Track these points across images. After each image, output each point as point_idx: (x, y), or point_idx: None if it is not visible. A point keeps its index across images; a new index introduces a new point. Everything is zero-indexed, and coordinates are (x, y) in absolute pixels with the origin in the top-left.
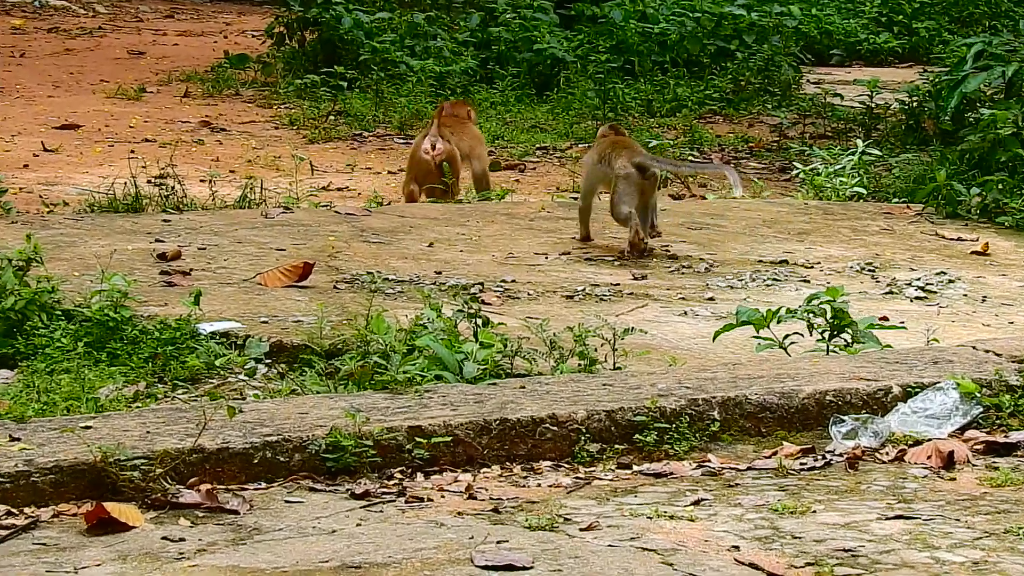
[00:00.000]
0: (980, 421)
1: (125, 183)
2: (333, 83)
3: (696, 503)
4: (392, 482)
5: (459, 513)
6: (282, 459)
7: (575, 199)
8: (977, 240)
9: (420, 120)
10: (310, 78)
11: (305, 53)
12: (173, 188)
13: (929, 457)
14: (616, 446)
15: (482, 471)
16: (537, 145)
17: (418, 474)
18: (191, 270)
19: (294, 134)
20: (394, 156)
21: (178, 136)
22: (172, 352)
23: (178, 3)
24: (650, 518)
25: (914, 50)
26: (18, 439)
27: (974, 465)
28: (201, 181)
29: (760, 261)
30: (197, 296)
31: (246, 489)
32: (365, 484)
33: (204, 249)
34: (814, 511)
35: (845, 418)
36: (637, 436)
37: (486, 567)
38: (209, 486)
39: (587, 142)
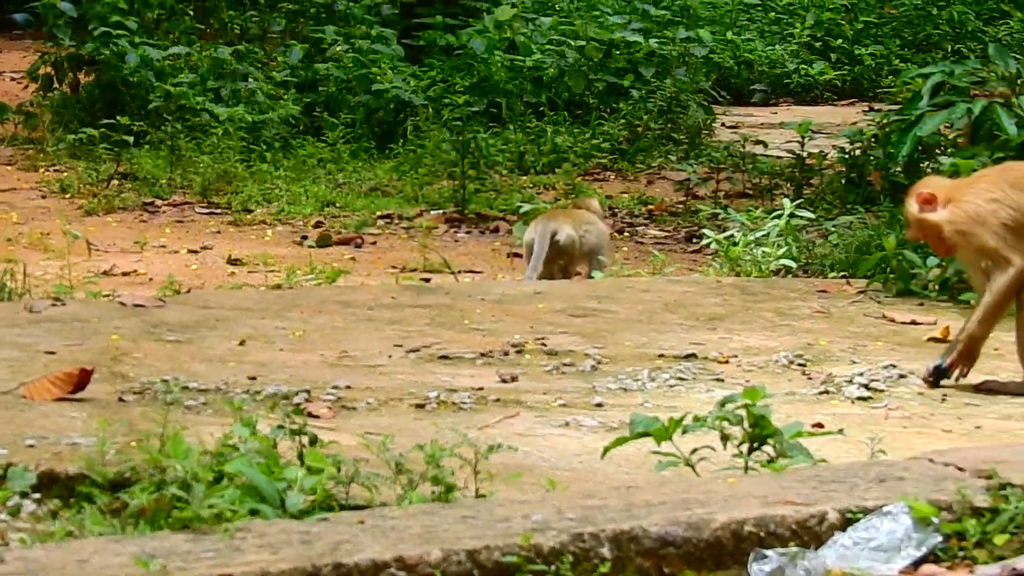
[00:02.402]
0: (939, 553)
1: None
2: (116, 138)
3: None
4: None
5: None
6: None
7: (426, 281)
8: (935, 324)
9: (228, 183)
10: (86, 132)
11: (80, 100)
12: None
13: None
14: None
15: None
16: (378, 213)
17: None
18: None
19: (67, 204)
20: (195, 230)
21: None
22: None
23: None
24: None
25: (857, 83)
26: None
27: None
28: None
29: (661, 356)
30: None
31: None
32: None
33: None
34: None
35: (769, 553)
36: None
37: None
38: None
39: (441, 207)
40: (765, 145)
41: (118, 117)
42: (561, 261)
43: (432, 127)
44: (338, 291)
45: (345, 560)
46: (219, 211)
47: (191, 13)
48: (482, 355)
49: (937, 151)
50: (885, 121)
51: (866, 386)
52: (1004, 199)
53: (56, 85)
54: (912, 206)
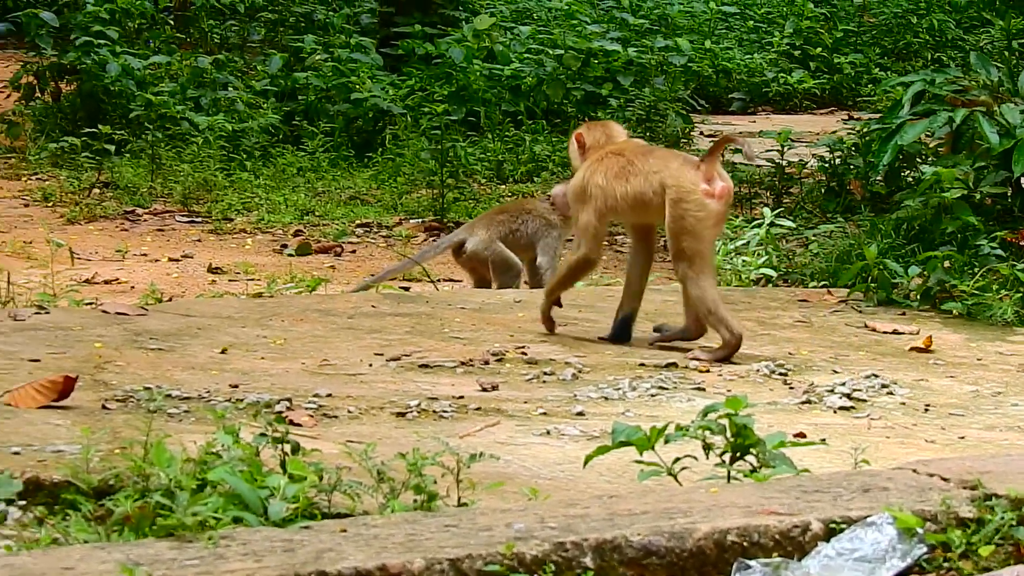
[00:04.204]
0: (923, 564)
1: None
2: (97, 147)
3: None
4: None
5: None
6: None
7: (406, 289)
8: (917, 333)
9: (208, 192)
10: (68, 141)
11: (61, 109)
12: None
13: None
14: None
15: None
16: (357, 221)
17: None
18: None
19: (49, 212)
20: (176, 238)
21: None
22: None
23: None
24: None
25: (836, 91)
26: None
27: None
28: None
29: (642, 365)
30: None
31: None
32: None
33: None
34: None
35: (752, 563)
36: None
37: None
38: None
39: (420, 216)
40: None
41: (99, 126)
42: (474, 269)
43: (411, 136)
44: (319, 300)
45: (328, 568)
46: (199, 220)
47: (171, 23)
48: (462, 364)
49: (918, 160)
50: (865, 130)
51: (848, 396)
52: (608, 186)
53: (38, 94)
54: (572, 141)
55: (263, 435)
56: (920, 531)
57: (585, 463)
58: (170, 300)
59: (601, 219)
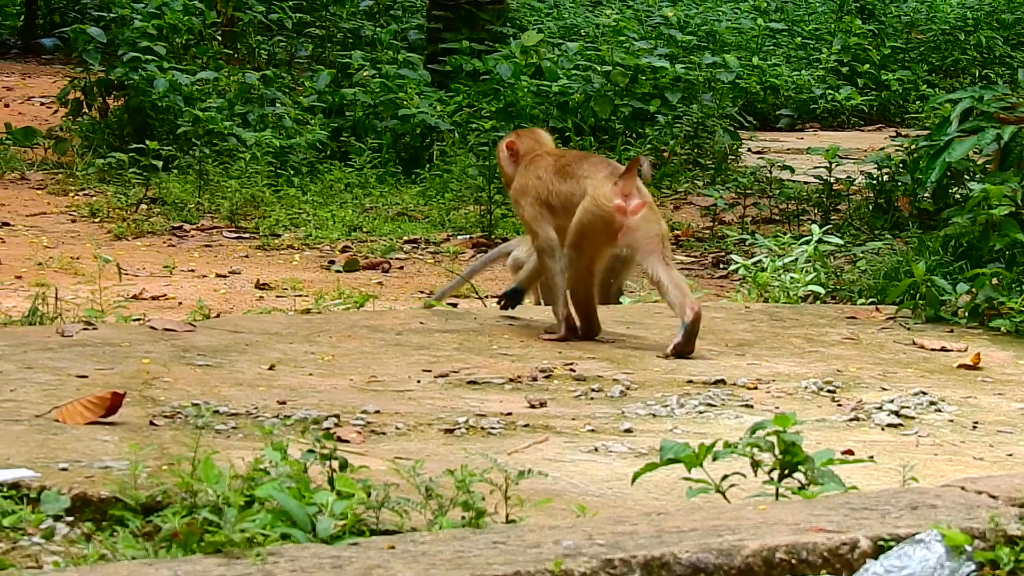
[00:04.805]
0: None
1: None
2: (145, 162)
3: None
4: None
5: None
6: None
7: (454, 306)
8: (966, 351)
9: (256, 208)
10: (115, 157)
11: (109, 125)
12: None
13: None
14: None
15: None
16: (405, 238)
17: None
18: None
19: (96, 228)
20: (223, 254)
21: None
22: None
23: None
24: None
25: (884, 108)
26: None
27: None
28: None
29: (690, 382)
30: None
31: None
32: None
33: None
34: None
35: None
36: None
37: None
38: None
39: (467, 232)
40: (792, 171)
41: (147, 142)
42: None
43: (458, 152)
44: (366, 316)
45: None
46: (247, 235)
47: (219, 39)
48: (511, 380)
49: (966, 177)
50: (913, 147)
51: (896, 413)
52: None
53: (85, 110)
54: (503, 148)
55: (311, 451)
56: (968, 549)
57: (633, 480)
58: (218, 316)
59: (542, 206)
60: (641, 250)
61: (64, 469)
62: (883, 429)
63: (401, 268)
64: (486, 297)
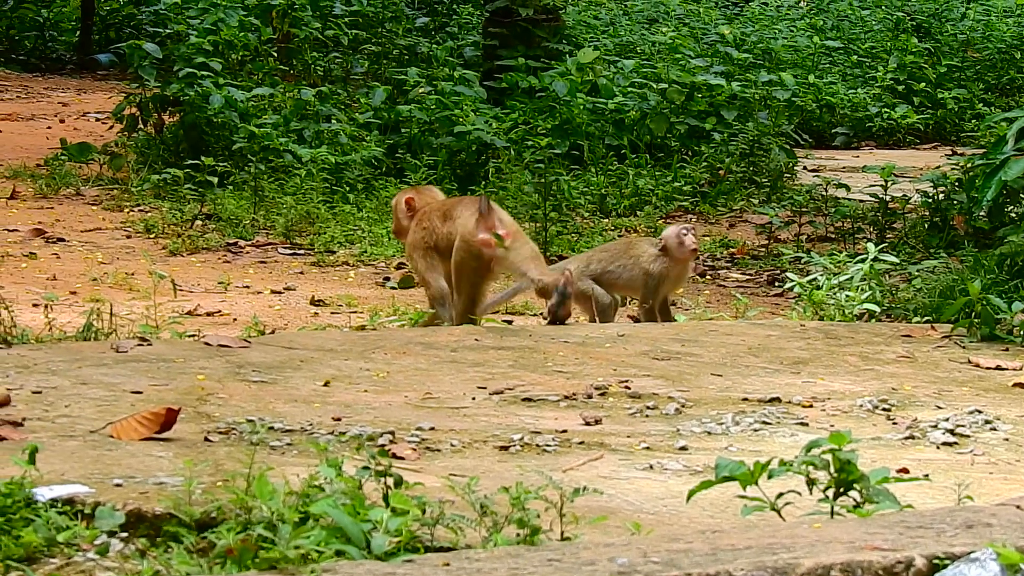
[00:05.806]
0: None
1: None
2: (200, 178)
3: None
4: None
5: None
6: None
7: (509, 323)
8: (1021, 369)
9: (311, 224)
10: (171, 173)
11: (164, 141)
12: None
13: None
14: None
15: None
16: None
17: None
18: (23, 420)
19: (151, 244)
20: (278, 271)
21: (3, 249)
22: (2, 525)
23: None
24: None
25: (939, 127)
26: None
27: None
28: (34, 306)
29: (745, 399)
30: (32, 453)
31: None
32: None
33: (40, 393)
34: None
35: None
36: None
37: None
38: None
39: None
40: (848, 189)
41: (202, 158)
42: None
43: (514, 169)
44: (421, 332)
45: None
46: (302, 252)
47: (275, 55)
48: (565, 397)
49: (1022, 196)
50: (969, 165)
51: (951, 431)
52: (431, 227)
53: (141, 126)
54: (401, 203)
55: (366, 468)
56: (1023, 567)
57: (688, 498)
58: (272, 332)
59: (432, 255)
60: (519, 269)
61: (118, 485)
62: (938, 447)
63: None
64: (541, 314)
